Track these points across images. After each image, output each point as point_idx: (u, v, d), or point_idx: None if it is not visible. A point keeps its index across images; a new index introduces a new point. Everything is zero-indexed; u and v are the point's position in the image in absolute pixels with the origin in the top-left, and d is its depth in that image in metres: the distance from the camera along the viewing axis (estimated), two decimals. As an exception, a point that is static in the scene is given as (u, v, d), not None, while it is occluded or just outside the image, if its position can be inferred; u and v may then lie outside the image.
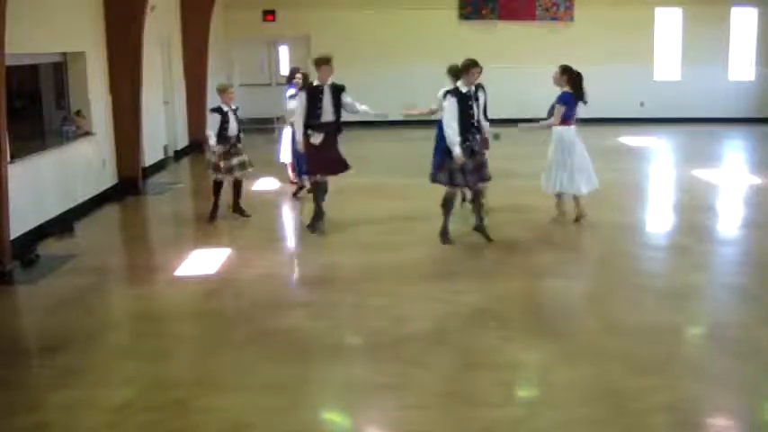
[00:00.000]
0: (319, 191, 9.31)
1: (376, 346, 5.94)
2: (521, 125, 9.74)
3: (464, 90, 8.41)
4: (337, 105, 9.13)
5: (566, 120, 9.18)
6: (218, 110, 9.71)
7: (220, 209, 10.00)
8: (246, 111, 20.04)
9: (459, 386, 5.23)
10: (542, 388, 5.32)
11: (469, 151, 8.38)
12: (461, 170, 8.38)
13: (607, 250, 8.36)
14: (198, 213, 11.30)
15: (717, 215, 10.45)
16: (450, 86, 8.81)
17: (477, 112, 8.50)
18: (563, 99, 9.20)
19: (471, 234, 8.78)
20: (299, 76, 11.12)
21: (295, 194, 11.07)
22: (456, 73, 8.86)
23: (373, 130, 18.21)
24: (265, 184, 12.20)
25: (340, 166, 9.35)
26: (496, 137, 9.50)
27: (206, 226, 10.10)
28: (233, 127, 9.72)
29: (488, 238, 8.58)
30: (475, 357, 5.68)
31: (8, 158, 7.90)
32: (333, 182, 12.28)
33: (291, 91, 11.83)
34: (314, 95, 9.02)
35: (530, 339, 6.03)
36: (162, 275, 7.77)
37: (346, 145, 16.79)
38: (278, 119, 11.47)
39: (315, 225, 9.20)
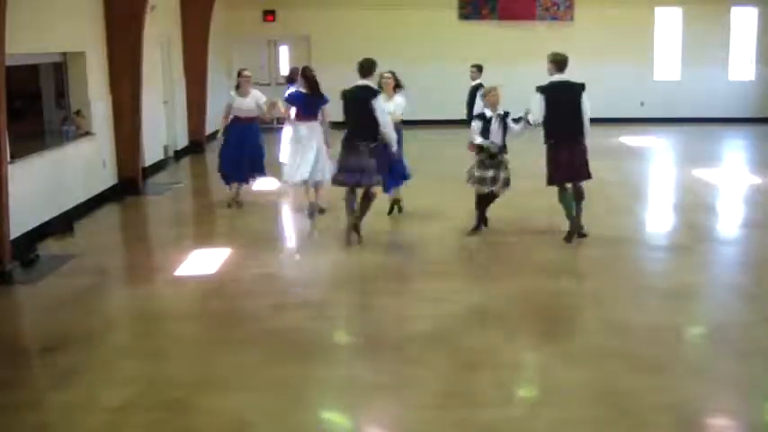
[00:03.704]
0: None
1: (376, 346, 5.94)
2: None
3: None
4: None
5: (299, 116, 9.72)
6: (481, 116, 8.72)
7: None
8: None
9: (459, 386, 5.23)
10: (542, 388, 5.31)
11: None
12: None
13: (607, 250, 8.35)
14: (198, 213, 11.31)
15: (717, 215, 10.45)
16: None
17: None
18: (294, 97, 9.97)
19: (472, 234, 8.80)
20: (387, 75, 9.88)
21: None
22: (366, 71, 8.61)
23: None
24: (265, 183, 12.18)
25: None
26: None
27: (206, 226, 10.10)
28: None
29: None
30: (475, 357, 5.68)
31: (8, 158, 7.90)
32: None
33: (292, 90, 11.83)
34: None
35: (530, 339, 6.03)
36: (162, 275, 7.76)
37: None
38: (278, 119, 11.43)
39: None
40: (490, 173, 8.60)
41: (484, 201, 8.84)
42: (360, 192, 8.62)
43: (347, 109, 8.50)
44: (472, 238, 8.88)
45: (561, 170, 8.52)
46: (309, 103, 9.67)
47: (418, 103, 19.10)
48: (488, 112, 8.67)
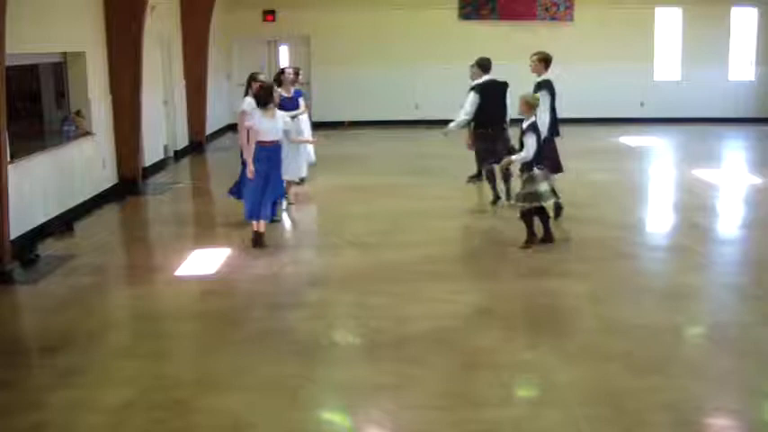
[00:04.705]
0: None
1: (376, 346, 5.94)
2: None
3: None
4: None
5: None
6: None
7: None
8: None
9: (460, 386, 5.23)
10: (542, 388, 5.31)
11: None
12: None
13: (607, 250, 8.35)
14: (198, 213, 11.32)
15: (717, 215, 10.45)
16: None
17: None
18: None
19: (471, 233, 8.79)
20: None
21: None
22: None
23: (374, 130, 18.24)
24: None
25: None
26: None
27: (206, 226, 10.09)
28: None
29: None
30: (475, 357, 5.68)
31: (8, 158, 7.90)
32: (335, 180, 12.33)
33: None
34: None
35: (530, 339, 6.02)
36: (162, 275, 7.76)
37: (347, 143, 16.87)
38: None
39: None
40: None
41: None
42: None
43: (489, 101, 9.96)
44: (473, 239, 8.87)
45: (555, 161, 9.01)
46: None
47: (417, 103, 19.27)
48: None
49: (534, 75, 9.38)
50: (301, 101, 10.83)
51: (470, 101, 10.05)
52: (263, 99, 8.51)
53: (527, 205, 8.21)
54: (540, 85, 9.14)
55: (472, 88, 10.21)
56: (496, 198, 10.31)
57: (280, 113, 8.68)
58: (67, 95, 10.87)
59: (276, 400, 5.07)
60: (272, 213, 8.92)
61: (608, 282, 7.41)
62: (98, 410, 4.95)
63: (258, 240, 8.51)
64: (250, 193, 8.52)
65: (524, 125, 8.18)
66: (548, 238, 8.37)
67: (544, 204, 8.29)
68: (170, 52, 14.70)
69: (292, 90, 10.73)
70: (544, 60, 9.32)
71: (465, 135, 12.01)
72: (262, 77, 9.55)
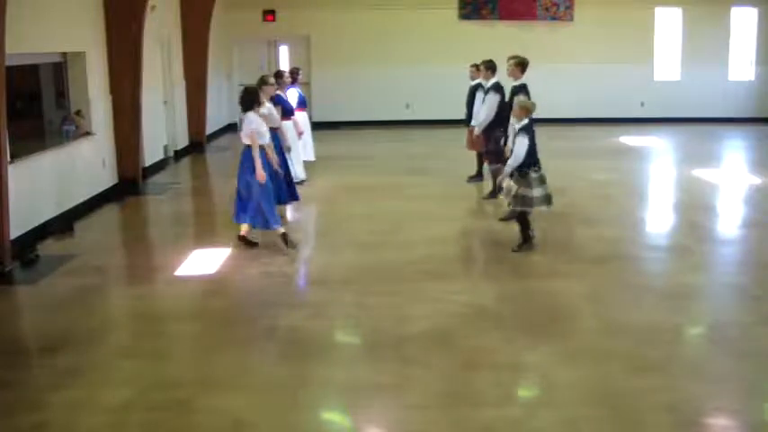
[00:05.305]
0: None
1: (376, 346, 5.94)
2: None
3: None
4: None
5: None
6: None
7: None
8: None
9: (460, 386, 5.23)
10: (542, 388, 5.32)
11: None
12: None
13: (607, 250, 8.35)
14: (198, 213, 11.32)
15: (717, 215, 10.45)
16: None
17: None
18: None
19: (471, 233, 8.77)
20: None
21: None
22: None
23: (374, 130, 18.23)
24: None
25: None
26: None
27: (206, 226, 10.09)
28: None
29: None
30: (475, 357, 5.68)
31: (8, 158, 7.90)
32: (334, 180, 12.32)
33: (292, 91, 11.86)
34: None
35: (530, 339, 6.03)
36: (162, 275, 7.76)
37: (348, 144, 16.85)
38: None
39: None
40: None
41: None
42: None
43: (504, 102, 9.99)
44: (473, 239, 8.84)
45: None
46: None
47: (418, 104, 19.27)
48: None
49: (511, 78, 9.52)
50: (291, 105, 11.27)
51: (493, 100, 10.30)
52: (248, 103, 8.18)
53: (518, 209, 8.13)
54: (517, 90, 9.22)
55: (491, 88, 10.41)
56: (494, 194, 10.46)
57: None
58: (67, 95, 10.86)
59: (276, 400, 5.07)
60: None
61: (608, 282, 7.42)
62: (98, 410, 4.95)
63: (288, 239, 8.43)
64: (265, 200, 8.26)
65: (517, 127, 8.13)
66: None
67: (530, 210, 8.10)
68: (170, 52, 14.70)
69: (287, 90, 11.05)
70: (521, 65, 9.42)
71: (463, 136, 12.07)
72: (271, 81, 9.39)
